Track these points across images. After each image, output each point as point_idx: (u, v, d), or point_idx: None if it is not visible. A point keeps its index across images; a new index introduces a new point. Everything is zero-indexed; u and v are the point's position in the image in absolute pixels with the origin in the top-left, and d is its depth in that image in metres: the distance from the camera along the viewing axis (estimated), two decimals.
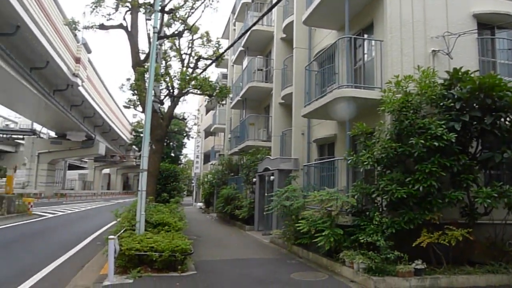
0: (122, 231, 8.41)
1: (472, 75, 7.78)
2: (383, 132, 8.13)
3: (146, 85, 10.18)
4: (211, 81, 12.58)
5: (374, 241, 7.10)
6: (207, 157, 41.83)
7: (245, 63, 20.65)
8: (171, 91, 13.27)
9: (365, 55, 10.47)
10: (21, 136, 50.28)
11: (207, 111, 44.19)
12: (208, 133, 42.70)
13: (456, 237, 7.06)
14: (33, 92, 27.94)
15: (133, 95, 12.95)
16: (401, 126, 7.67)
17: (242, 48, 21.37)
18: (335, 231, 7.99)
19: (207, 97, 13.74)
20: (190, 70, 13.51)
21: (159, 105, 12.34)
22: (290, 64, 14.84)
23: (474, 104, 7.52)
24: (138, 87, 11.35)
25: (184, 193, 75.03)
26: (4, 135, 50.99)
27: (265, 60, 19.16)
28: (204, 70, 13.31)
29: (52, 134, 49.66)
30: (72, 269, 8.16)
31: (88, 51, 34.35)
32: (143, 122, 35.77)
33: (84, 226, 16.26)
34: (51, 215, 21.82)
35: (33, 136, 47.90)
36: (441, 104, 7.68)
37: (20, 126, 49.83)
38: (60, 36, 26.41)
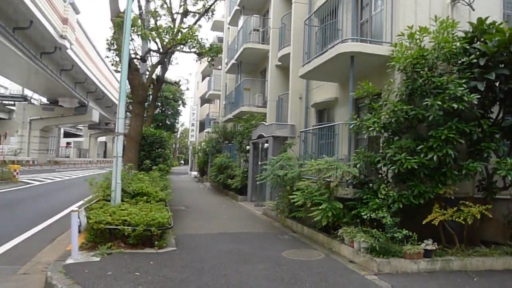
0: (94, 201, 7.50)
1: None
2: (392, 93, 7.08)
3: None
4: (197, 36, 11.31)
5: (379, 217, 6.17)
6: (202, 125, 40.77)
7: (240, 23, 19.21)
8: (158, 49, 12.06)
9: (373, 7, 9.26)
10: (12, 102, 49.05)
11: (203, 78, 42.81)
12: (204, 100, 41.49)
13: (474, 214, 6.15)
14: (17, 54, 26.52)
15: (114, 53, 11.72)
16: (414, 86, 6.62)
17: (238, 7, 19.88)
18: (333, 205, 7.07)
19: (196, 57, 12.52)
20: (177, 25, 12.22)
21: (140, 62, 11.16)
22: (288, 22, 13.56)
23: (501, 61, 6.43)
24: (116, 41, 10.17)
25: (182, 161, 74.25)
26: None
27: (262, 20, 17.78)
28: (194, 24, 12.01)
29: (44, 100, 48.37)
30: (41, 242, 7.33)
31: (77, 11, 32.62)
32: None
33: (69, 194, 15.41)
34: (38, 183, 20.99)
35: (24, 102, 46.69)
36: (461, 61, 6.58)
37: (10, 92, 48.34)
38: None
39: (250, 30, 17.35)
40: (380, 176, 7.30)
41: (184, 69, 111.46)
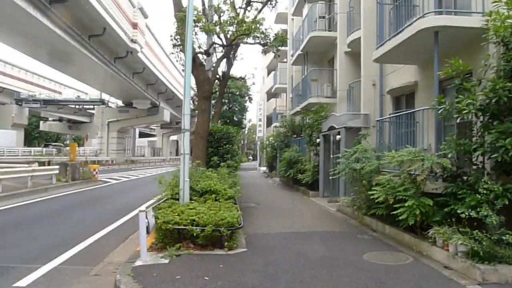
0: (162, 200, 7.34)
1: None
2: (490, 68, 6.04)
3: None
4: (261, 26, 10.78)
5: (481, 216, 5.24)
6: (269, 120, 40.52)
7: (305, 11, 18.45)
8: (222, 42, 11.78)
9: None
10: (91, 106, 52.48)
11: (269, 73, 42.50)
12: (270, 95, 41.21)
13: None
14: (94, 60, 28.09)
15: (178, 49, 11.62)
16: None
17: None
18: (421, 201, 6.20)
19: (261, 49, 12.06)
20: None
21: (205, 57, 10.94)
22: (356, 5, 12.61)
23: None
24: (180, 37, 10.01)
25: (250, 157, 74.86)
26: (77, 106, 53.51)
27: (327, 6, 16.89)
28: (258, 13, 11.54)
29: (120, 103, 51.18)
30: (115, 241, 7.39)
31: (145, 16, 33.82)
32: None
33: (143, 192, 15.80)
34: (115, 181, 22.00)
35: (102, 105, 49.69)
36: None
37: (90, 97, 51.83)
38: (115, 0, 25.86)
39: (316, 18, 16.56)
40: (476, 167, 6.30)
41: (250, 64, 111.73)
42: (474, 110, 5.78)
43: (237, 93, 41.60)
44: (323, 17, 16.65)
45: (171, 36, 11.01)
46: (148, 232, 5.82)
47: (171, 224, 6.03)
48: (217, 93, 17.15)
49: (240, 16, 11.49)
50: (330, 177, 11.04)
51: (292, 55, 22.27)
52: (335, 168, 9.29)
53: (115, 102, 53.15)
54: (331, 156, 12.19)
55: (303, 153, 17.07)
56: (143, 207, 5.99)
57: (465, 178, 6.32)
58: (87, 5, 21.95)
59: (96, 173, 21.34)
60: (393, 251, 6.39)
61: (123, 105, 49.98)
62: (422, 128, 8.08)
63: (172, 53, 12.45)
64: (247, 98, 44.98)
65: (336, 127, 12.00)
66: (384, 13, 9.57)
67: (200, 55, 10.44)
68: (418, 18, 7.25)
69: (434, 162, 6.30)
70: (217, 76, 12.41)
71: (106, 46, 29.14)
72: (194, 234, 6.03)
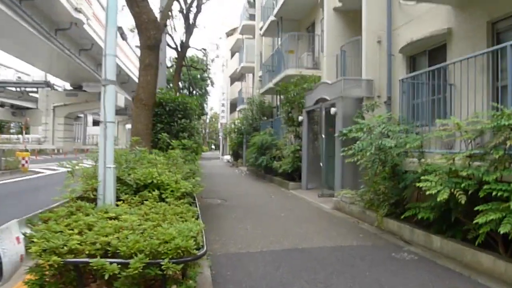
0: (59, 203, 4.21)
1: None
2: None
3: None
4: None
5: None
6: (234, 106, 37.48)
7: None
8: None
9: None
10: (35, 89, 47.17)
11: (232, 55, 39.32)
12: (235, 79, 38.16)
13: None
14: (29, 30, 23.82)
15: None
16: None
17: None
18: None
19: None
20: None
21: None
22: None
23: None
24: None
25: (213, 146, 71.13)
26: (17, 89, 47.92)
27: None
28: None
29: (68, 86, 46.27)
30: None
31: None
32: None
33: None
34: (50, 172, 18.26)
35: (47, 88, 44.60)
36: None
37: (33, 79, 46.41)
38: None
39: None
40: None
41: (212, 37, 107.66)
42: None
43: (199, 76, 38.33)
44: None
45: None
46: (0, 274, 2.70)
47: (58, 256, 2.90)
48: (174, 66, 13.92)
49: None
50: (321, 164, 8.19)
51: (261, 28, 19.31)
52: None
53: (63, 85, 48.14)
54: (323, 136, 9.33)
55: (278, 137, 14.24)
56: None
57: None
58: None
59: (26, 162, 17.54)
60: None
61: (72, 88, 45.11)
62: (465, 92, 5.33)
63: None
64: (208, 82, 41.76)
65: (329, 98, 9.17)
66: None
67: None
68: None
69: None
70: (167, 19, 9.13)
71: (44, 13, 24.85)
72: (110, 275, 2.94)
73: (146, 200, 4.62)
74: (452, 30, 6.80)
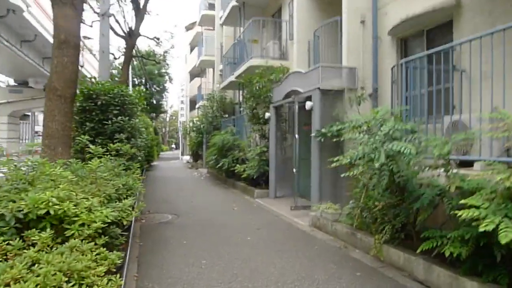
0: None
1: None
2: None
3: None
4: None
5: None
6: (193, 104, 35.51)
7: None
8: None
9: None
10: None
11: (192, 50, 37.29)
12: (194, 74, 36.16)
13: None
14: None
15: None
16: None
17: None
18: None
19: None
20: None
21: None
22: None
23: None
24: None
25: (173, 146, 68.20)
26: None
27: None
28: None
29: (12, 82, 42.49)
30: None
31: None
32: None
33: None
34: None
35: None
36: None
37: None
38: None
39: None
40: None
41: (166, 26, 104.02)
42: None
43: (156, 71, 35.94)
44: None
45: None
46: None
47: None
48: (123, 56, 11.98)
49: None
50: (294, 170, 6.65)
51: (221, 18, 17.62)
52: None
53: (7, 80, 44.23)
54: (296, 136, 7.78)
55: (241, 137, 12.63)
56: None
57: None
58: None
59: None
60: None
61: (16, 84, 41.43)
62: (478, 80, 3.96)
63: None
64: (167, 78, 39.41)
65: (302, 90, 7.63)
66: None
67: None
68: None
69: None
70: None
71: None
72: None
73: (35, 243, 2.90)
74: (461, 3, 5.44)
